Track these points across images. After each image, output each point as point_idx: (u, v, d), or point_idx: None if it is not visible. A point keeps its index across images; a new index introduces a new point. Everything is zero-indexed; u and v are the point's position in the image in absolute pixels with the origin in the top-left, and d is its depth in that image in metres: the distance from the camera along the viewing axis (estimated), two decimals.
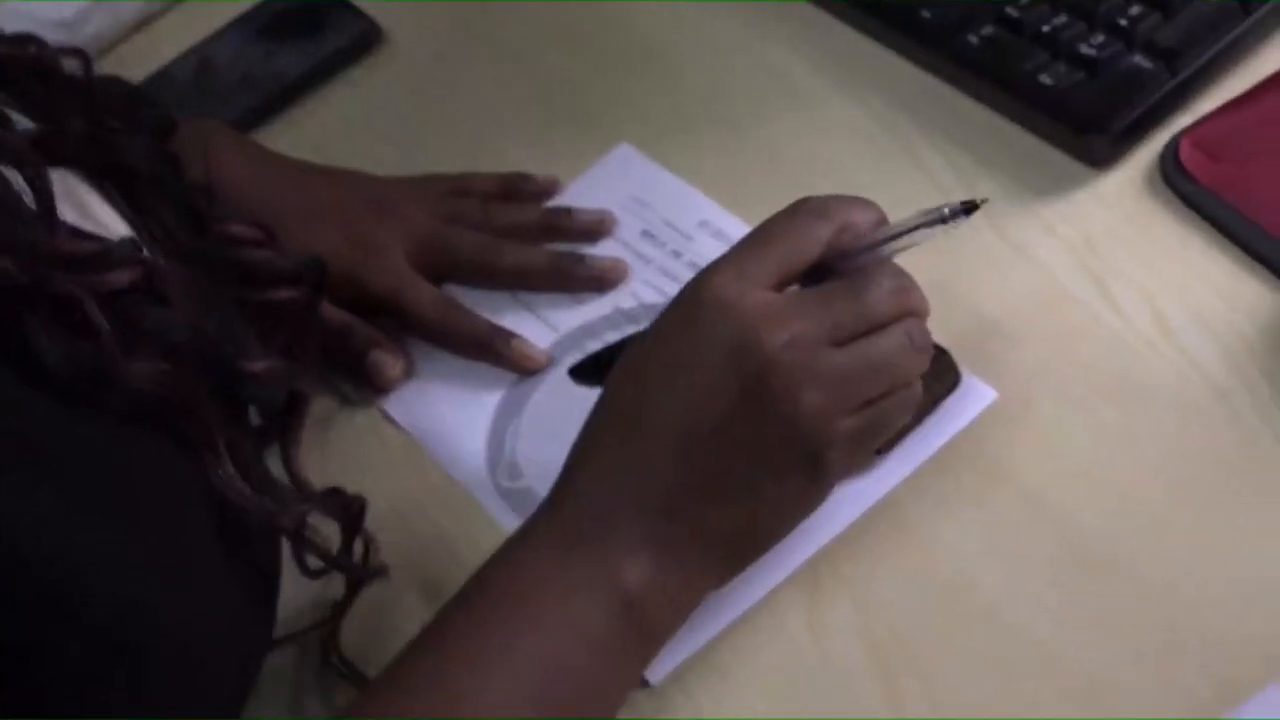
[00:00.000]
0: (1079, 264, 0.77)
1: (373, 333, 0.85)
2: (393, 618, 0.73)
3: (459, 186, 0.90)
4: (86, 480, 0.53)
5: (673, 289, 0.81)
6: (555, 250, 0.86)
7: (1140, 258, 0.77)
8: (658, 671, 0.68)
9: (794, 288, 0.65)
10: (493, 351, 0.83)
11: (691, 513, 0.63)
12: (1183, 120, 0.81)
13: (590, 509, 0.64)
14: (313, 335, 0.73)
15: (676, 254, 0.84)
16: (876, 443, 0.67)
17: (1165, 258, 0.76)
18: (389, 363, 0.84)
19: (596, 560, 0.63)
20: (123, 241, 0.59)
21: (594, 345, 0.82)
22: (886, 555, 0.69)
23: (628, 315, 0.82)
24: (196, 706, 0.59)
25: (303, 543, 0.66)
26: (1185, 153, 0.79)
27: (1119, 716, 0.62)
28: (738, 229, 0.83)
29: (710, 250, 0.83)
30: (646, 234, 0.86)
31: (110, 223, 0.63)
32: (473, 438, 0.80)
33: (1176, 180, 0.79)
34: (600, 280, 0.85)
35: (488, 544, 0.68)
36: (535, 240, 0.87)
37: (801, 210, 0.67)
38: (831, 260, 0.65)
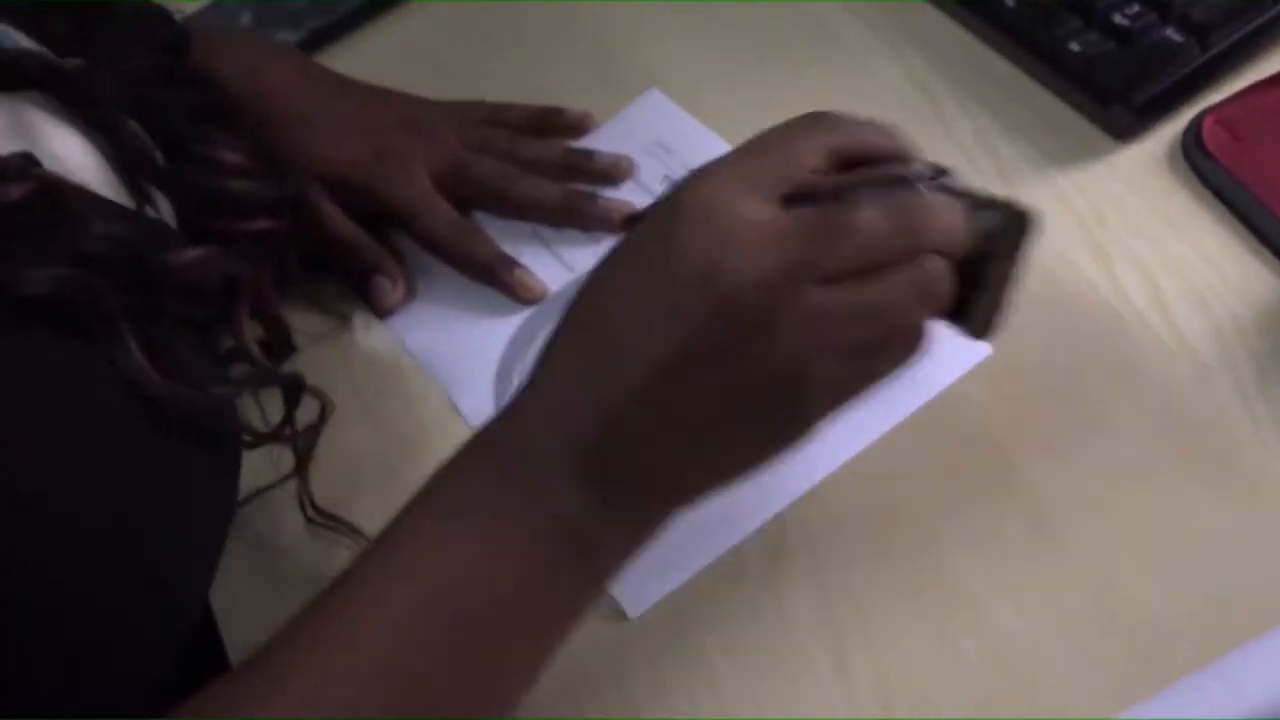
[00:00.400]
0: (1086, 234, 0.77)
1: (379, 254, 0.88)
2: None
3: (493, 116, 0.92)
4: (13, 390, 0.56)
5: None
6: (571, 188, 0.88)
7: (1147, 233, 0.76)
8: (636, 605, 0.70)
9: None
10: (496, 277, 0.86)
11: (644, 443, 0.57)
12: (1212, 98, 0.80)
13: (532, 427, 0.59)
14: (290, 263, 0.77)
15: None
16: (862, 393, 0.60)
17: (1172, 234, 0.76)
18: (388, 288, 0.87)
19: (530, 483, 0.58)
20: (12, 156, 0.59)
21: None
22: (850, 508, 0.70)
23: None
24: (168, 579, 0.63)
25: (226, 423, 0.68)
26: (1208, 130, 0.78)
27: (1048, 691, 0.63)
28: None
29: None
30: (668, 179, 0.87)
31: (65, 150, 0.65)
32: (482, 372, 0.82)
33: (1196, 157, 0.78)
34: (609, 220, 0.86)
35: None
36: (557, 177, 0.89)
37: (807, 118, 0.61)
38: (837, 186, 0.59)
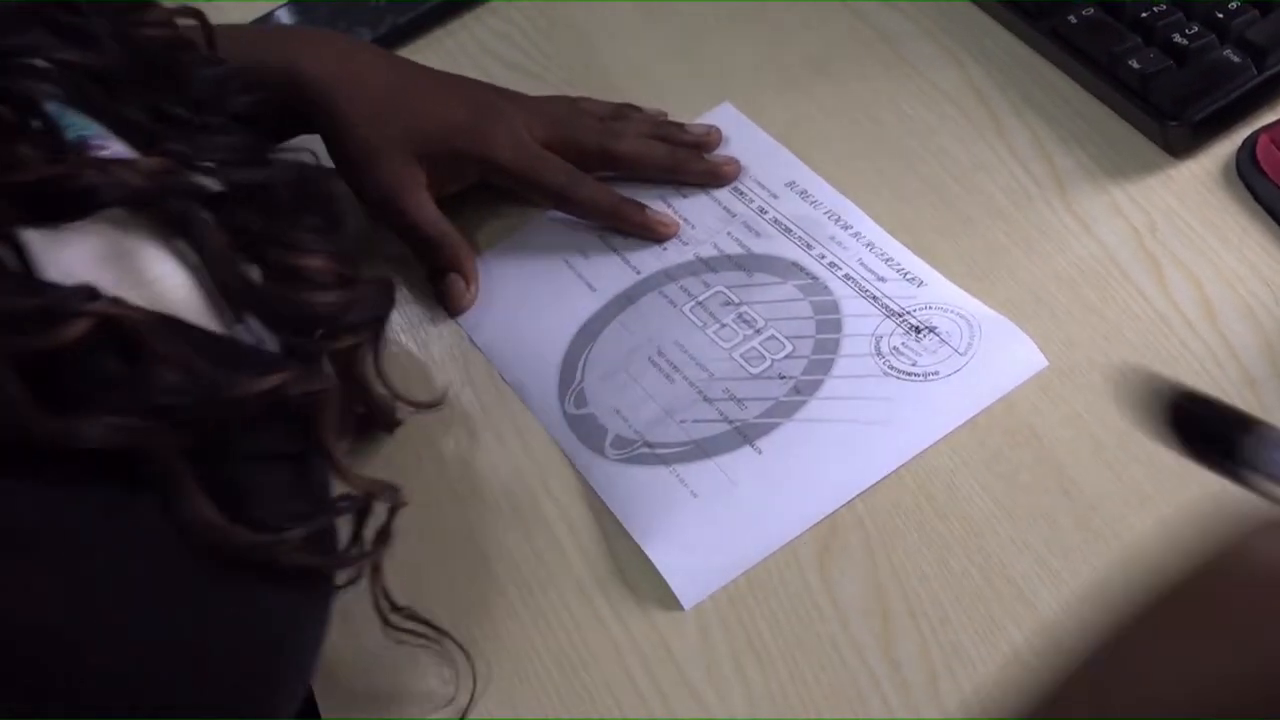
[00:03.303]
0: (1139, 245, 0.79)
1: (460, 252, 0.89)
2: (443, 539, 0.79)
3: (575, 104, 0.95)
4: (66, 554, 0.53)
5: (754, 243, 0.86)
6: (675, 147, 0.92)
7: (1199, 246, 0.78)
8: (690, 597, 0.72)
9: None
10: (627, 220, 0.88)
11: None
12: (1266, 118, 0.82)
13: None
14: (370, 373, 0.74)
15: (762, 210, 0.88)
16: None
17: (1224, 248, 0.78)
18: (462, 288, 0.89)
19: None
20: (74, 290, 0.55)
21: (671, 288, 0.86)
22: (903, 503, 0.72)
23: (707, 263, 0.86)
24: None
25: (311, 557, 0.62)
26: (1262, 148, 0.80)
27: None
28: (823, 190, 0.88)
29: (793, 209, 0.87)
30: (735, 189, 0.90)
31: (164, 272, 0.61)
32: (546, 366, 0.84)
33: (1249, 174, 0.80)
34: (718, 176, 0.90)
35: (552, 467, 0.76)
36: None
37: None
38: None
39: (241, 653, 0.59)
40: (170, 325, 0.58)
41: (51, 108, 0.61)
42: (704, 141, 0.92)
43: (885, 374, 0.78)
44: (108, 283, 0.56)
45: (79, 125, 0.63)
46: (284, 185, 0.69)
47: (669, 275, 0.87)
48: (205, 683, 0.58)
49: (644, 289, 0.87)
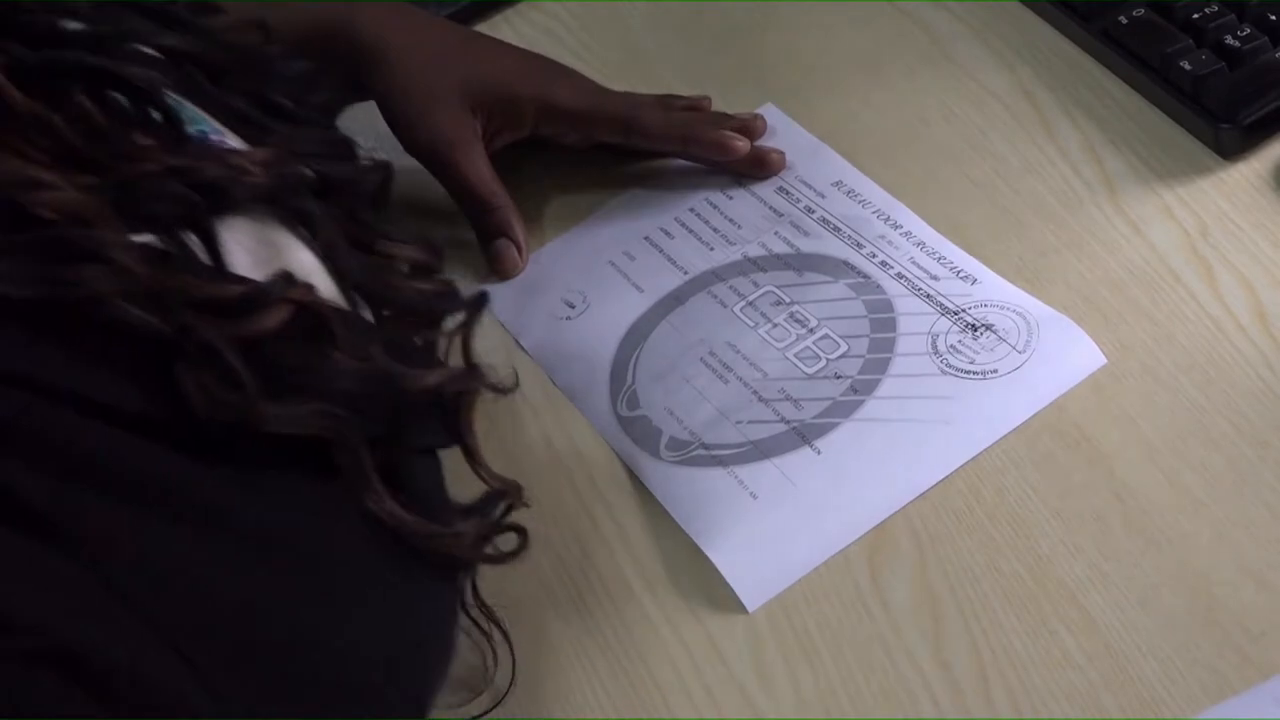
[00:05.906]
0: (1190, 248, 0.79)
1: (511, 218, 0.89)
2: None
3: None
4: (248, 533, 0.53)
5: (803, 242, 0.86)
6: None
7: (1250, 249, 0.78)
8: (754, 600, 0.72)
9: None
10: (694, 139, 0.91)
11: None
12: None
13: None
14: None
15: (809, 210, 0.88)
16: None
17: (1276, 252, 0.78)
18: (514, 256, 0.89)
19: None
20: (274, 280, 0.55)
21: (720, 288, 0.86)
22: (953, 504, 0.73)
23: (755, 263, 0.86)
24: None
25: (475, 565, 0.64)
26: None
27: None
28: (870, 189, 0.88)
29: (841, 208, 0.87)
30: (781, 190, 0.90)
31: (302, 264, 0.60)
32: (597, 369, 0.84)
33: None
34: (724, 144, 0.90)
35: (602, 469, 0.77)
36: None
37: None
38: None
39: (410, 642, 0.59)
40: (349, 315, 0.59)
41: (170, 99, 0.60)
42: (750, 127, 0.91)
43: (943, 372, 0.78)
44: (256, 265, 0.57)
45: (198, 119, 0.63)
46: (371, 181, 0.70)
47: (717, 275, 0.87)
48: (368, 670, 0.57)
49: (692, 289, 0.87)
